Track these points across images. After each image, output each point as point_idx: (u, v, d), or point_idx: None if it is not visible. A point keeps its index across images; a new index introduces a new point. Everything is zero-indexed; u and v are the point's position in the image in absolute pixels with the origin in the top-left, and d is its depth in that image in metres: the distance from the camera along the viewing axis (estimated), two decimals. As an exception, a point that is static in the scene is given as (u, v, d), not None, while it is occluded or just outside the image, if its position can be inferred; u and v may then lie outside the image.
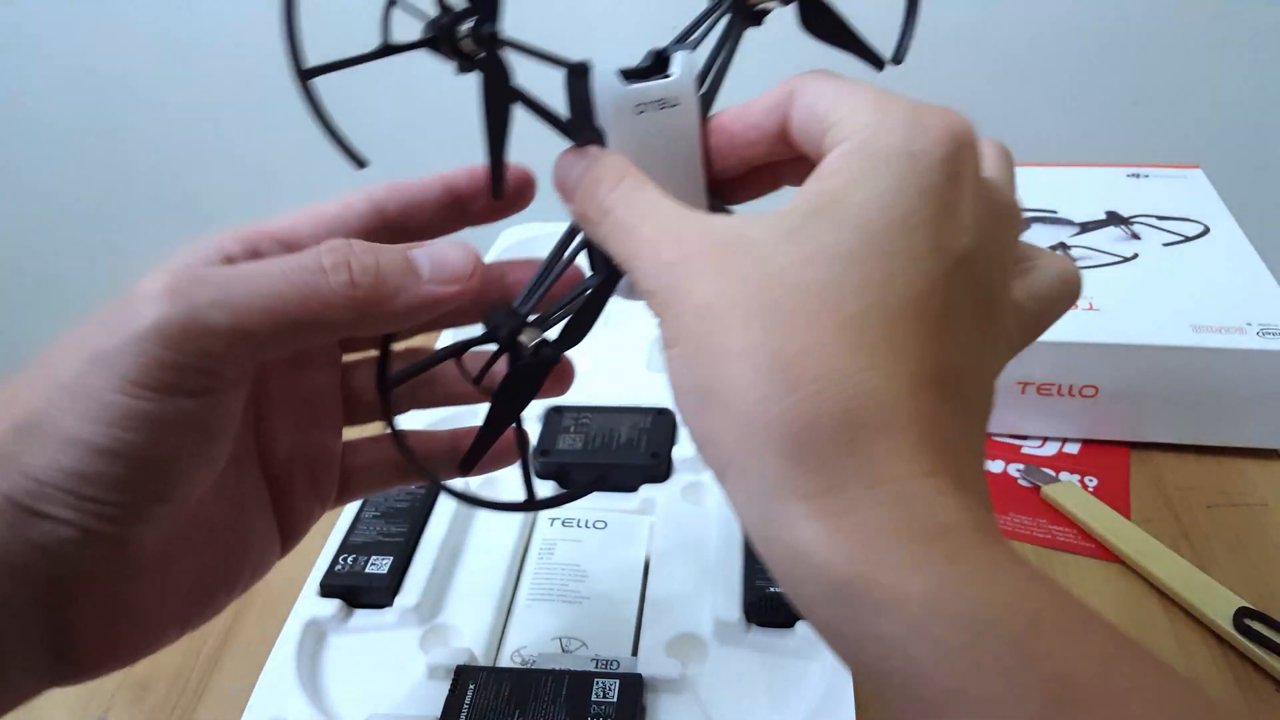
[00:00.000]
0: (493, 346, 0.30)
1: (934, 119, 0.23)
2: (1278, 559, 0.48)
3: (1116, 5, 0.96)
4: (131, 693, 0.44)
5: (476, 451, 0.31)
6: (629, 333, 0.62)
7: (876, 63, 0.30)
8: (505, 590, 0.45)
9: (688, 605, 0.44)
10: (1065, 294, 0.28)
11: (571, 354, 0.31)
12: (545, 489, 0.51)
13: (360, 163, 0.24)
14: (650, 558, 0.47)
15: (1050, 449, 0.56)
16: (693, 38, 0.30)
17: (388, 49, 0.24)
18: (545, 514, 0.50)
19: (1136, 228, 0.63)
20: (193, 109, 1.14)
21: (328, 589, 0.45)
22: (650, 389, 0.57)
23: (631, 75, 0.27)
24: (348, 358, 0.33)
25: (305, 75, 0.23)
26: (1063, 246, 0.61)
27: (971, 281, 0.22)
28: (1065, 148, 1.01)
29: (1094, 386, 0.54)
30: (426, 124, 0.99)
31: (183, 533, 0.27)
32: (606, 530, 0.48)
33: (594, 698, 0.38)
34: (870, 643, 0.19)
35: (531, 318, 0.29)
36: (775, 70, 0.29)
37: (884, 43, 0.30)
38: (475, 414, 0.31)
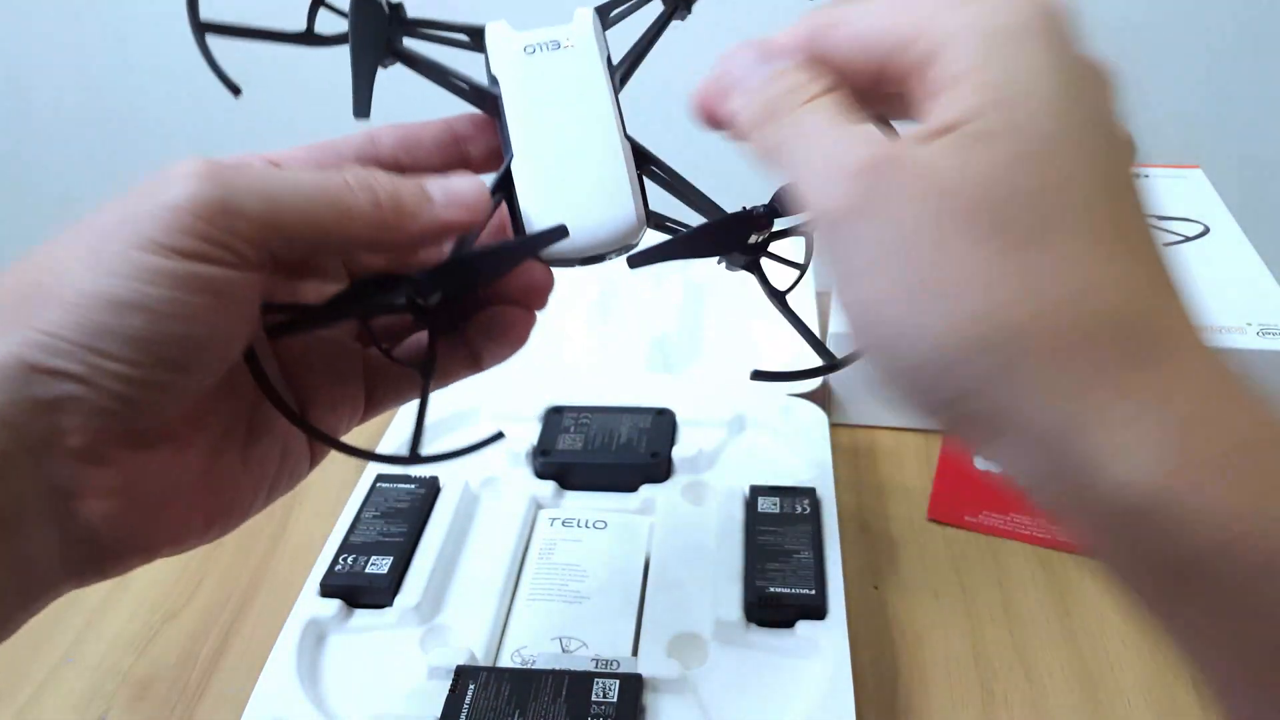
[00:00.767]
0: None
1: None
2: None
3: (1116, 5, 0.96)
4: (132, 692, 0.44)
5: (418, 430, 0.31)
6: (629, 333, 0.62)
7: None
8: (505, 590, 0.45)
9: (688, 605, 0.44)
10: None
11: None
12: (544, 487, 0.51)
13: (235, 90, 0.29)
14: (650, 558, 0.47)
15: (1050, 449, 0.56)
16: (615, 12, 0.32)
17: (305, 36, 0.30)
18: (545, 514, 0.50)
19: (1136, 228, 0.63)
20: (194, 107, 1.14)
21: (328, 589, 0.45)
22: (650, 389, 0.57)
23: None
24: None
25: (200, 28, 0.28)
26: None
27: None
28: (1065, 148, 1.01)
29: (1094, 386, 0.54)
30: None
31: (203, 423, 0.27)
32: (606, 530, 0.48)
33: (594, 698, 0.38)
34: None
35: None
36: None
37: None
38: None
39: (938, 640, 0.45)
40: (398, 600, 0.44)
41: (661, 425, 0.53)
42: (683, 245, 0.29)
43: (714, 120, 0.27)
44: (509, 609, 0.45)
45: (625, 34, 0.32)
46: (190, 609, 0.48)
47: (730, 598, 0.43)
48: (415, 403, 0.31)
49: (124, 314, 0.23)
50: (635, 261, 0.29)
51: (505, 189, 0.30)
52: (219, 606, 0.49)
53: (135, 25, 1.13)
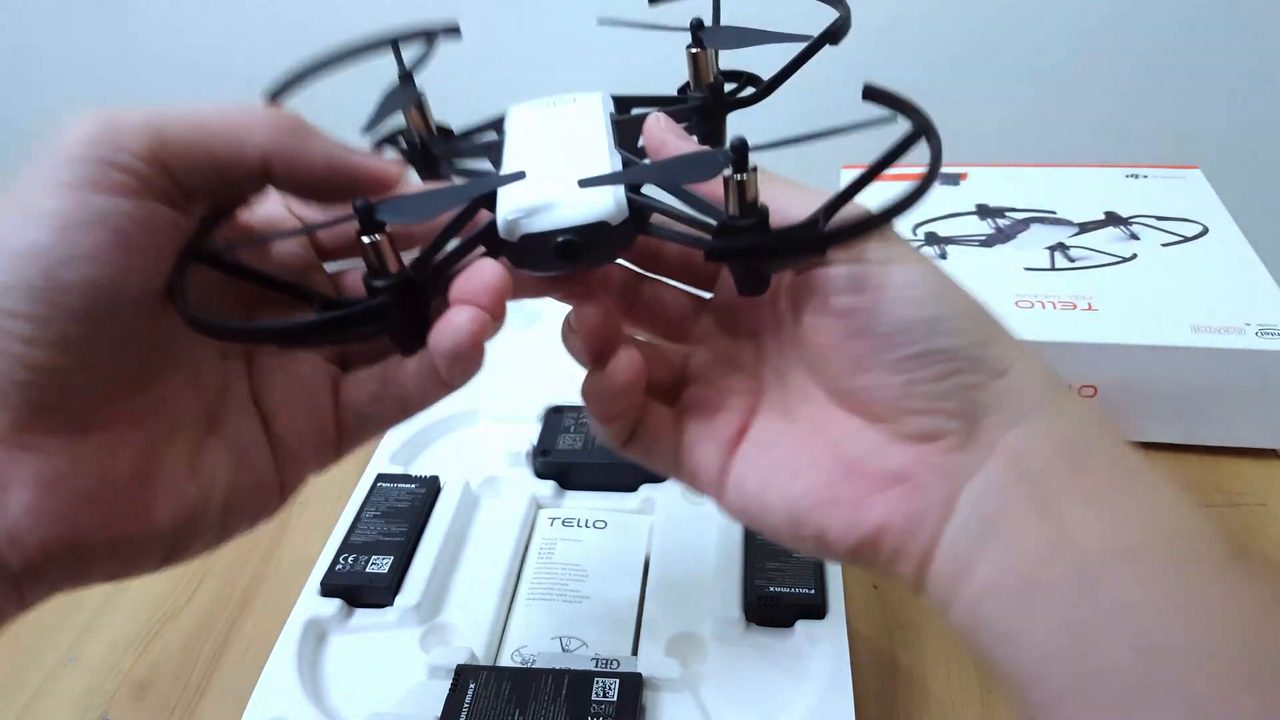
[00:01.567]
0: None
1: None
2: (1277, 559, 0.48)
3: (1117, 5, 0.96)
4: (132, 692, 0.44)
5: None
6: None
7: None
8: (505, 589, 0.45)
9: (688, 605, 0.44)
10: None
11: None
12: (544, 487, 0.51)
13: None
14: (650, 558, 0.47)
15: (1050, 449, 0.56)
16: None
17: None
18: (545, 514, 0.50)
19: (1135, 228, 0.63)
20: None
21: (328, 589, 0.45)
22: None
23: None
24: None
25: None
26: (1061, 247, 0.61)
27: None
28: (1064, 148, 1.01)
29: (1093, 386, 0.54)
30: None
31: (139, 416, 0.25)
32: (606, 530, 0.48)
33: (594, 697, 0.38)
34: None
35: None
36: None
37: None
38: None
39: (938, 640, 0.45)
40: (398, 600, 0.44)
41: (661, 425, 0.53)
42: (642, 172, 0.27)
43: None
44: (509, 608, 0.45)
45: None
46: (190, 609, 0.49)
47: (730, 597, 0.43)
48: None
49: (18, 266, 0.22)
50: (586, 182, 0.26)
51: (487, 201, 0.28)
52: (219, 606, 0.49)
53: (136, 24, 1.13)
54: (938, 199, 0.67)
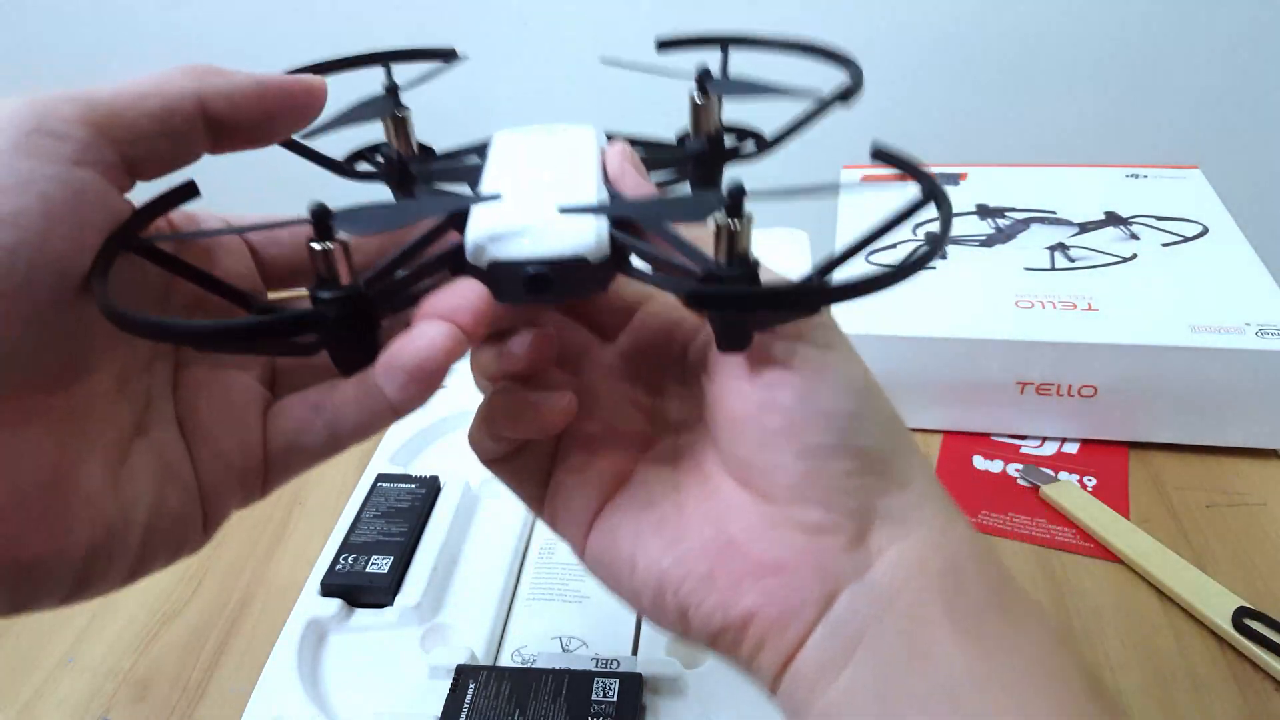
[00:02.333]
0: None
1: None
2: (1276, 559, 0.48)
3: (1117, 5, 0.96)
4: (132, 692, 0.44)
5: None
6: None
7: None
8: (505, 589, 0.45)
9: (687, 605, 0.44)
10: None
11: None
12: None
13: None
14: (650, 557, 0.47)
15: (1049, 449, 0.56)
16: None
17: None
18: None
19: (1135, 228, 0.63)
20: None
21: (328, 589, 0.45)
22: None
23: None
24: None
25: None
26: (1062, 247, 0.61)
27: None
28: (1064, 148, 1.01)
29: (1093, 386, 0.54)
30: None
31: (55, 412, 0.23)
32: (606, 530, 0.48)
33: (594, 697, 0.38)
34: None
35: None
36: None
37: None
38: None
39: (937, 640, 0.45)
40: (398, 600, 0.44)
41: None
42: (628, 206, 0.26)
43: None
44: (509, 608, 0.45)
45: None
46: (190, 609, 0.49)
47: (730, 597, 0.43)
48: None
49: None
50: (568, 208, 0.25)
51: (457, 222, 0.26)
52: (219, 606, 0.49)
53: (136, 25, 1.13)
54: (938, 199, 0.67)
